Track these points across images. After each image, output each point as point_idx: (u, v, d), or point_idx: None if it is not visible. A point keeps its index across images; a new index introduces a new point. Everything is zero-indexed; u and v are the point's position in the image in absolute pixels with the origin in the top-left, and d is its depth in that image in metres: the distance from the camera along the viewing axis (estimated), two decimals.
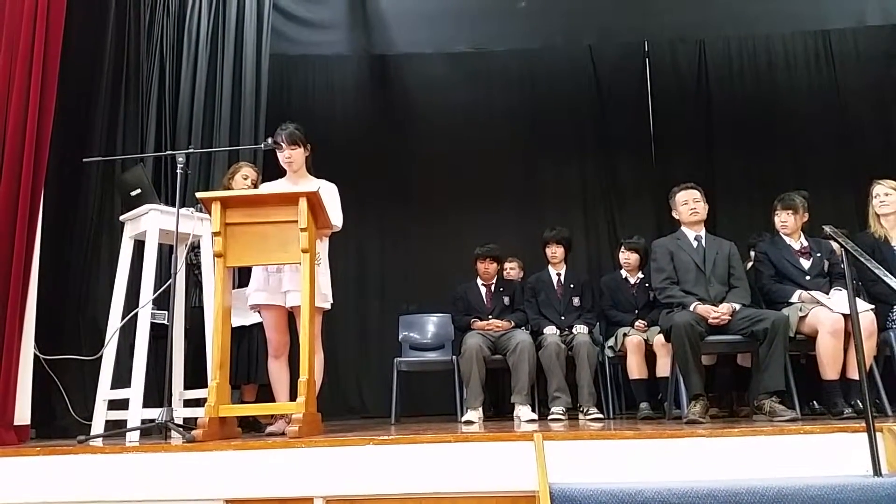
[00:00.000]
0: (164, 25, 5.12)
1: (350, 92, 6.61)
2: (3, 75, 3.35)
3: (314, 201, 3.06)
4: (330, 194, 3.45)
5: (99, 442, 3.05)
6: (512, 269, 5.46)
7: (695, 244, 3.82)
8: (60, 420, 3.81)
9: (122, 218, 3.62)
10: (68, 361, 3.74)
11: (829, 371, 3.38)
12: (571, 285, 4.81)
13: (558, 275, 4.84)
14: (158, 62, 5.03)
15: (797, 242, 3.89)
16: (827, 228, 2.68)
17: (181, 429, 2.98)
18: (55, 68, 3.46)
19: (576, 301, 4.76)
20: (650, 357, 4.30)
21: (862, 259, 2.55)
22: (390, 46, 6.02)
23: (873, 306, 3.50)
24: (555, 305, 4.74)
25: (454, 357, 4.78)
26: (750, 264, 4.34)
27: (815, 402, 4.13)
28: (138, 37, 4.93)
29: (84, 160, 3.61)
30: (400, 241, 6.41)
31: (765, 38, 6.59)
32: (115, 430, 3.26)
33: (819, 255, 3.83)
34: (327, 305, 3.47)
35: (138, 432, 3.13)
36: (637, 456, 2.54)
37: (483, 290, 4.87)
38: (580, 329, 4.52)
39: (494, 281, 4.89)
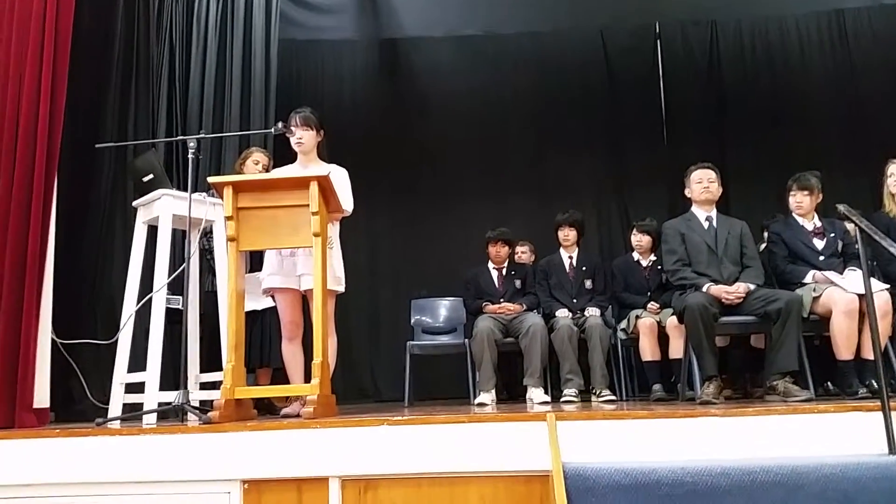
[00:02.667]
0: (174, 12, 5.14)
1: (359, 77, 6.60)
2: (16, 63, 3.37)
3: (325, 185, 3.06)
4: (340, 179, 3.46)
5: (117, 424, 3.09)
6: (524, 253, 5.46)
7: (706, 224, 3.80)
8: (78, 404, 3.86)
9: (134, 203, 3.65)
10: (85, 346, 3.78)
11: (844, 351, 3.36)
12: (584, 268, 4.81)
13: (570, 258, 4.83)
14: (168, 48, 5.05)
15: (811, 223, 3.86)
16: (841, 207, 2.66)
17: (197, 411, 3.01)
18: (66, 55, 3.47)
19: (588, 284, 4.76)
20: (663, 339, 4.30)
21: (876, 238, 2.53)
22: (399, 30, 6.02)
23: (888, 286, 3.47)
24: (567, 288, 4.74)
25: (466, 340, 4.80)
26: (763, 246, 4.32)
27: (829, 383, 4.13)
28: (148, 23, 4.95)
29: (96, 146, 3.62)
30: (411, 226, 6.41)
31: (777, 18, 6.51)
32: (133, 412, 3.30)
33: (833, 235, 3.80)
34: (340, 289, 3.49)
35: (155, 415, 3.17)
36: (650, 436, 2.54)
37: (494, 273, 4.87)
38: (592, 312, 4.52)
39: (506, 264, 4.89)
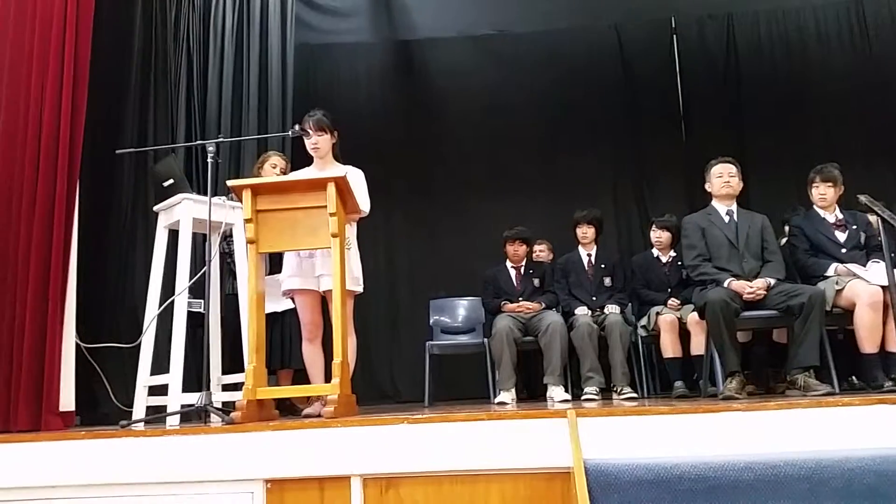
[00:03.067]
0: (191, 20, 5.21)
1: (374, 79, 6.62)
2: (38, 73, 3.44)
3: (342, 186, 3.08)
4: (357, 180, 3.48)
5: (141, 426, 3.13)
6: (542, 252, 5.44)
7: (726, 219, 3.76)
8: (103, 407, 3.91)
9: (155, 208, 3.69)
10: (108, 349, 3.83)
11: (868, 344, 3.32)
12: (602, 265, 4.79)
13: (589, 255, 4.82)
14: (186, 56, 5.12)
15: (832, 215, 3.81)
16: (862, 198, 2.63)
17: (220, 412, 3.04)
18: (86, 64, 3.54)
19: (607, 281, 4.74)
20: (684, 336, 4.27)
21: None
22: (413, 31, 6.03)
23: None
24: (585, 286, 4.72)
25: (485, 340, 4.79)
26: (784, 240, 4.27)
27: (854, 377, 4.07)
28: (165, 32, 5.02)
29: (117, 152, 3.67)
30: (428, 226, 6.43)
31: (795, 9, 6.44)
32: (156, 414, 3.34)
33: (855, 227, 3.76)
34: (359, 289, 3.50)
35: (178, 416, 3.20)
36: (672, 431, 2.52)
37: (513, 272, 4.87)
38: (612, 309, 4.50)
39: (524, 263, 4.88)
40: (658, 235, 4.78)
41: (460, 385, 5.63)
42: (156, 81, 4.87)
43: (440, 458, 2.56)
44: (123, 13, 4.71)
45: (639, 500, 2.20)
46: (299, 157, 3.95)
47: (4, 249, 3.25)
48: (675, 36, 6.57)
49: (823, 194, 3.82)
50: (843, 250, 3.70)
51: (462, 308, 5.44)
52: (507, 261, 4.89)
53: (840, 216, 3.81)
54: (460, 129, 6.36)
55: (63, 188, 3.31)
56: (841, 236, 3.74)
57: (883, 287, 3.25)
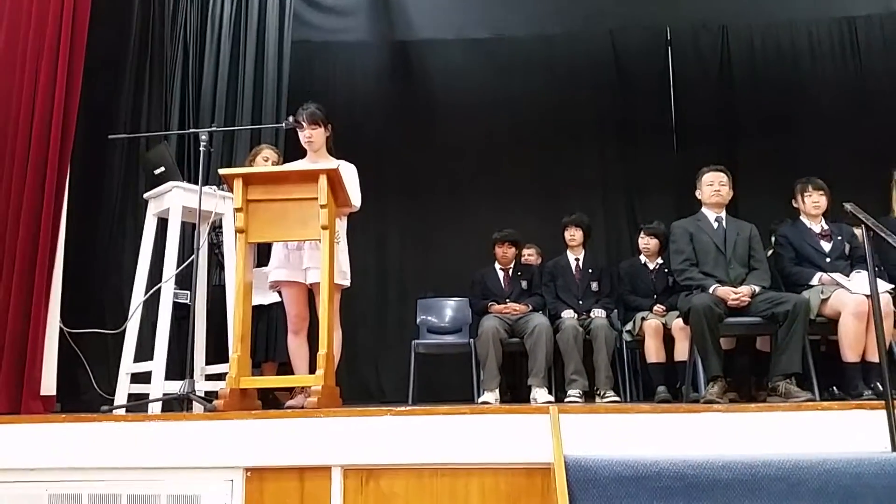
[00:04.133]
0: (188, 11, 5.21)
1: (371, 78, 6.62)
2: (32, 56, 3.43)
3: (334, 179, 3.09)
4: (349, 174, 3.48)
5: (122, 412, 3.11)
6: (530, 256, 5.46)
7: (715, 225, 3.79)
8: (84, 394, 3.89)
9: (146, 196, 3.69)
10: (92, 337, 3.82)
11: (850, 353, 3.35)
12: (590, 270, 4.81)
13: (577, 259, 4.84)
14: (182, 48, 5.12)
15: (818, 226, 3.85)
16: (848, 206, 2.66)
17: (202, 400, 3.03)
18: (82, 51, 3.54)
19: (594, 286, 4.76)
20: (668, 342, 4.29)
21: (883, 234, 2.53)
22: (411, 32, 6.05)
23: (894, 286, 3.46)
24: (573, 290, 4.74)
25: (471, 340, 4.80)
26: (771, 251, 4.31)
27: (834, 387, 4.10)
28: (162, 22, 5.03)
29: (109, 136, 3.67)
30: (419, 227, 6.43)
31: (788, 24, 6.49)
32: (138, 401, 3.33)
33: (840, 238, 3.80)
34: (346, 283, 3.50)
35: (160, 404, 3.19)
36: (653, 430, 2.54)
37: (501, 274, 4.88)
38: (598, 313, 4.52)
39: (512, 265, 4.90)
40: (646, 242, 4.81)
41: (445, 387, 5.62)
42: (151, 72, 4.87)
43: (422, 451, 2.57)
44: (122, 2, 4.71)
45: (617, 496, 2.22)
46: (292, 152, 3.96)
47: None
48: (669, 45, 6.62)
49: (816, 202, 3.85)
50: (828, 260, 3.74)
51: (449, 308, 5.44)
52: (496, 262, 4.91)
53: (826, 227, 3.84)
54: (454, 130, 6.37)
55: (53, 172, 3.31)
56: (826, 246, 3.78)
57: (866, 296, 3.28)
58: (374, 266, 6.30)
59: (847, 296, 3.41)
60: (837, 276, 3.59)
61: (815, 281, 3.66)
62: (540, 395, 4.16)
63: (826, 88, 6.37)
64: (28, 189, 3.26)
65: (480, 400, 4.22)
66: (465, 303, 5.28)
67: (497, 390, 4.27)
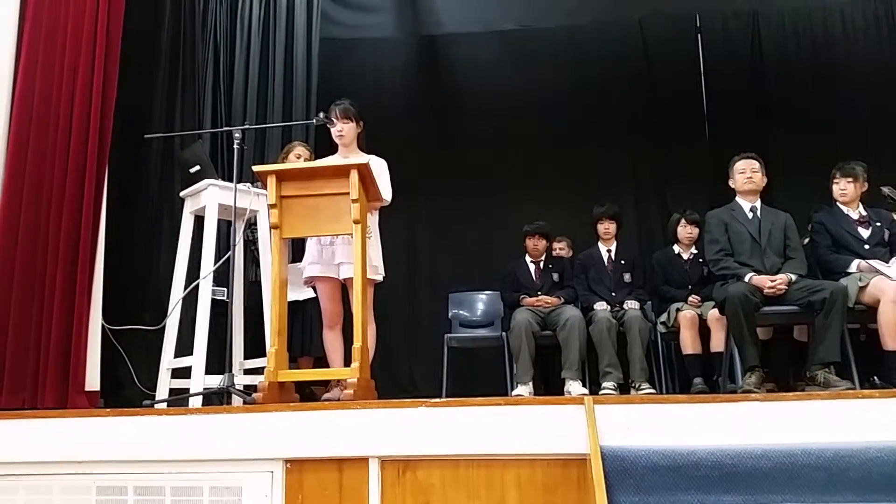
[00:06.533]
0: (218, 13, 5.29)
1: (399, 74, 6.64)
2: (70, 62, 3.52)
3: (365, 173, 3.12)
4: (379, 168, 3.51)
5: (164, 406, 3.18)
6: (561, 249, 5.44)
7: (750, 215, 3.75)
8: (126, 390, 3.98)
9: (182, 194, 3.76)
10: (133, 333, 3.90)
11: (891, 341, 3.29)
12: (622, 261, 4.78)
13: (609, 251, 4.81)
14: (213, 49, 5.21)
15: (855, 212, 3.78)
16: (885, 189, 2.61)
17: (242, 393, 3.08)
18: (117, 53, 3.62)
19: (626, 277, 4.72)
20: (704, 333, 4.25)
21: None
22: (438, 26, 6.06)
23: None
24: (605, 282, 4.71)
25: (504, 333, 4.80)
26: (808, 239, 4.24)
27: (875, 377, 4.02)
28: (193, 24, 5.10)
29: (145, 136, 3.74)
30: (449, 221, 6.44)
31: (821, 7, 6.37)
32: (179, 396, 3.40)
33: (879, 224, 3.72)
34: (379, 277, 3.53)
35: (201, 397, 3.26)
36: (689, 421, 2.51)
37: (532, 267, 4.87)
38: (631, 304, 4.48)
39: (543, 258, 4.89)
40: (689, 231, 4.72)
41: (478, 381, 5.61)
42: (184, 74, 4.95)
43: (457, 442, 2.59)
44: (153, 6, 4.79)
45: (655, 486, 2.21)
46: (324, 148, 4.00)
47: (35, 233, 3.34)
48: (699, 33, 6.52)
49: (843, 189, 3.79)
50: (866, 247, 3.67)
51: (481, 302, 5.45)
52: (527, 255, 4.90)
53: (864, 213, 3.77)
54: (483, 123, 6.36)
55: (92, 172, 3.39)
56: (864, 233, 3.71)
57: None
58: (406, 260, 6.33)
59: (886, 282, 3.35)
60: (876, 263, 3.52)
61: (852, 268, 3.60)
62: (574, 387, 4.15)
63: (862, 71, 6.20)
64: (69, 190, 3.34)
65: (514, 393, 4.23)
66: (496, 296, 5.28)
67: (530, 383, 4.27)
